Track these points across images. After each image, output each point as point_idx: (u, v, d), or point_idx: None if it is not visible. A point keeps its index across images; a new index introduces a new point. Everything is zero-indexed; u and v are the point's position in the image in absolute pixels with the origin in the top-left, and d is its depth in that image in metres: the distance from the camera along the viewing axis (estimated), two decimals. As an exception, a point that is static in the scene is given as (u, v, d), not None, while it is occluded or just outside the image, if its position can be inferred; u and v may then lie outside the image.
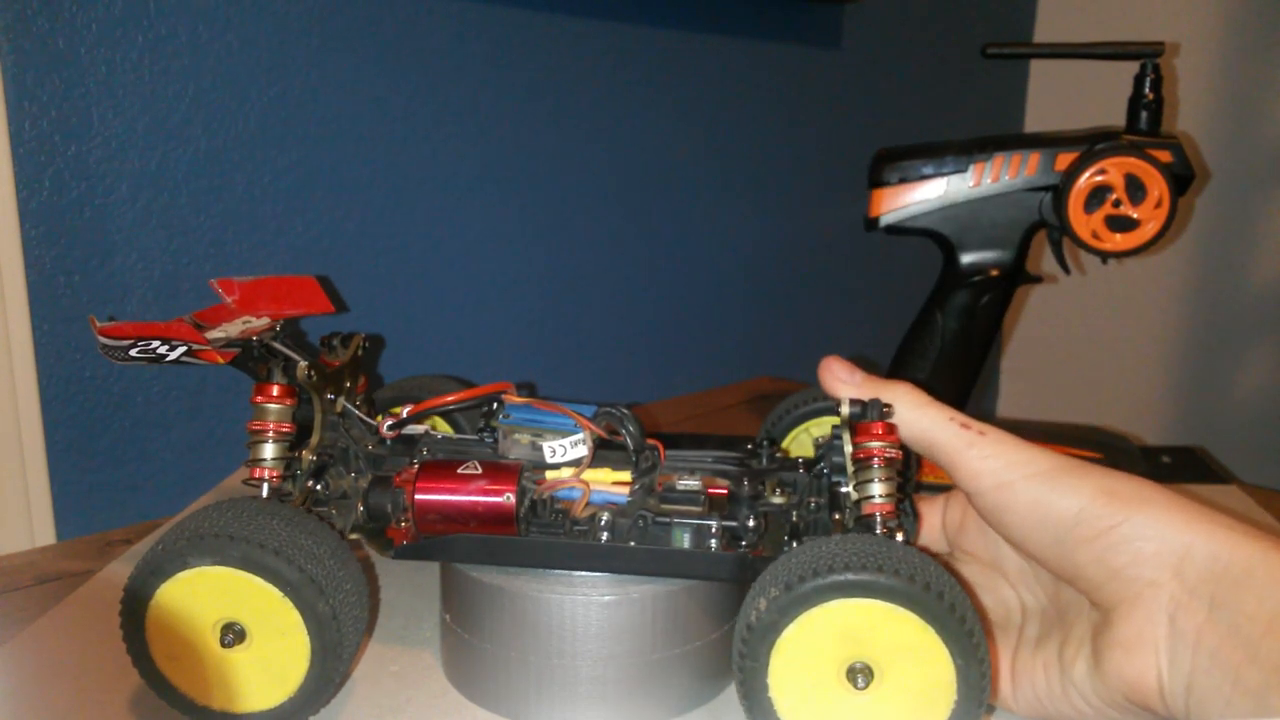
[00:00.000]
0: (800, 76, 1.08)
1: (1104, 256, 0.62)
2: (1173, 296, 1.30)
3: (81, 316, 0.63)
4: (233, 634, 0.37)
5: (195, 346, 0.42)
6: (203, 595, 0.36)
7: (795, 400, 0.51)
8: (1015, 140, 0.64)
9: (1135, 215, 0.61)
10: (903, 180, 0.65)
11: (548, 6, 0.83)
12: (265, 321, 0.45)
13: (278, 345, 0.43)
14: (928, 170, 0.64)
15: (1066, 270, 0.67)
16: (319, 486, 0.43)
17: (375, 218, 0.76)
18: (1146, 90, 0.63)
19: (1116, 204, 0.61)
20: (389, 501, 0.42)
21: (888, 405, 0.40)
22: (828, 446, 0.44)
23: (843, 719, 0.35)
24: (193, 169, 0.66)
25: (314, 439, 0.43)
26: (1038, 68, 1.39)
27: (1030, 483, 0.38)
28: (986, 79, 1.34)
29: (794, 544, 0.40)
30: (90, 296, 0.63)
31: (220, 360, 0.43)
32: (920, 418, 0.41)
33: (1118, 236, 0.61)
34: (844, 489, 0.42)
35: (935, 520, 0.46)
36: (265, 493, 0.41)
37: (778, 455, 0.46)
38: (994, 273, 0.65)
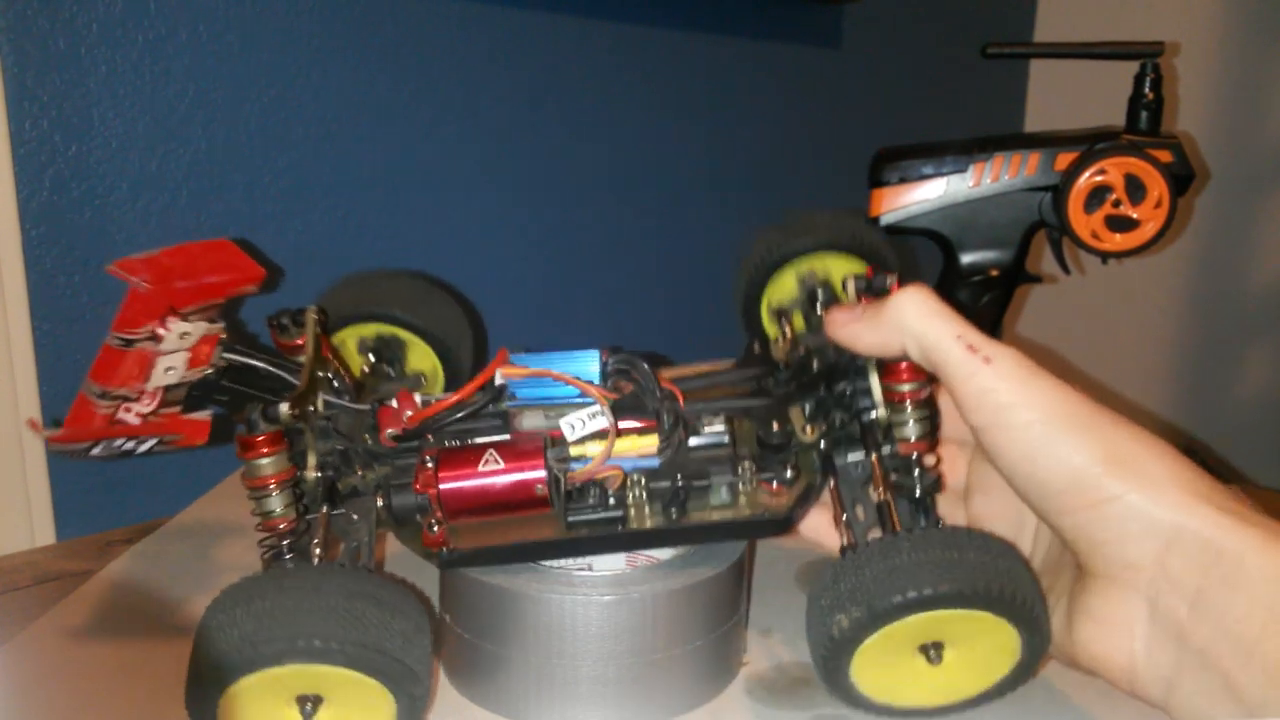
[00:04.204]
0: (800, 76, 1.08)
1: (1104, 256, 0.62)
2: (1173, 296, 1.30)
3: (82, 317, 0.63)
4: (310, 703, 0.35)
5: (168, 438, 0.38)
6: (290, 679, 0.35)
7: (760, 254, 0.48)
8: (1015, 140, 0.64)
9: (1135, 215, 0.61)
10: (903, 180, 0.65)
11: (548, 6, 0.83)
12: (203, 326, 0.39)
13: (236, 357, 0.39)
14: (928, 170, 0.65)
15: (1066, 270, 0.67)
16: (332, 502, 0.41)
17: (376, 217, 0.76)
18: (1146, 90, 0.64)
19: (1116, 204, 0.61)
20: (414, 507, 0.40)
21: (891, 274, 0.40)
22: (851, 369, 0.41)
23: (917, 684, 0.38)
24: (193, 169, 0.66)
25: (311, 461, 0.40)
26: (1038, 68, 1.39)
27: (1028, 431, 0.35)
28: (986, 79, 1.33)
29: (830, 480, 0.40)
30: (90, 297, 0.63)
31: (202, 439, 0.38)
32: (926, 331, 0.37)
33: (1118, 236, 0.61)
34: (872, 414, 0.40)
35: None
36: (286, 548, 0.38)
37: (788, 359, 0.44)
38: (994, 273, 0.65)
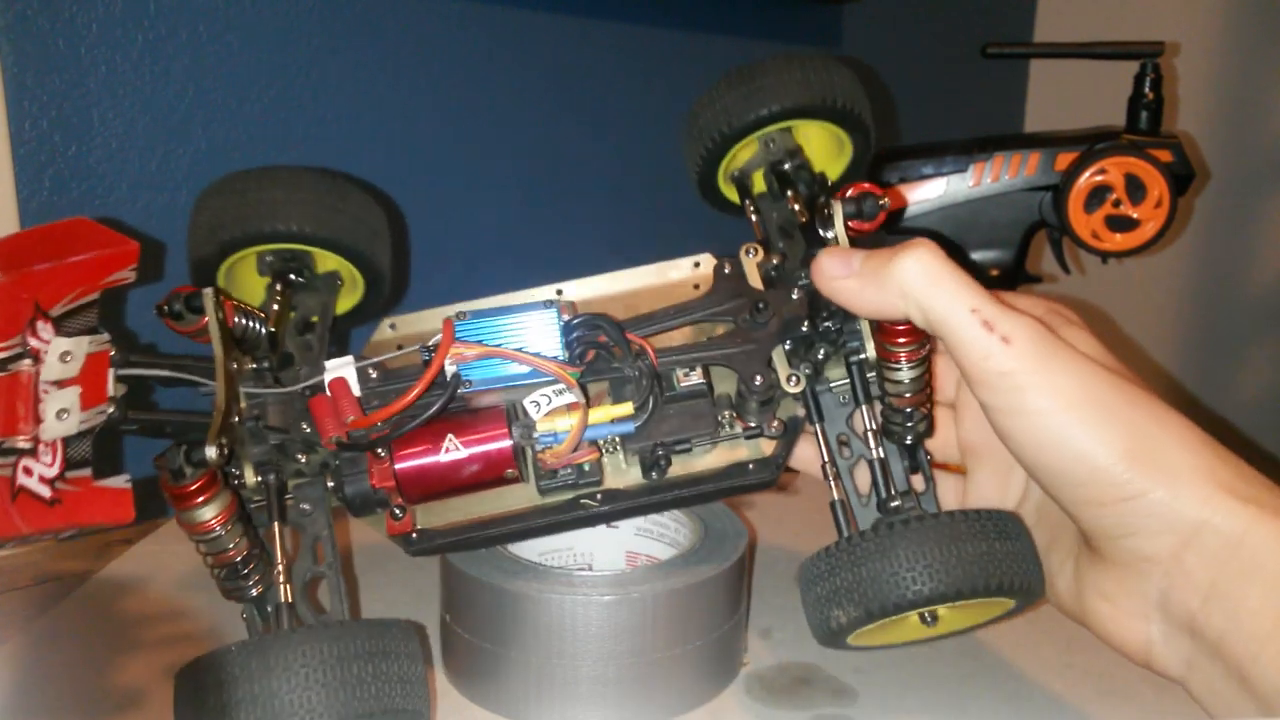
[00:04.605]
0: (800, 76, 1.08)
1: (1104, 256, 0.63)
2: (1173, 296, 1.30)
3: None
4: None
5: (86, 527, 0.33)
6: None
7: (716, 125, 0.43)
8: (1015, 140, 0.64)
9: (1135, 215, 0.61)
10: (903, 180, 0.65)
11: (548, 6, 0.83)
12: (85, 342, 0.32)
13: (134, 372, 0.34)
14: (928, 170, 0.65)
15: (1066, 270, 0.67)
16: (286, 499, 0.37)
17: (375, 218, 0.76)
18: (1146, 90, 0.64)
19: (1116, 204, 0.61)
20: (373, 499, 0.37)
21: (883, 199, 0.36)
22: (842, 317, 0.38)
23: (912, 632, 0.38)
24: (193, 169, 0.66)
25: (249, 473, 0.36)
26: (1038, 68, 1.39)
27: (1046, 419, 0.33)
28: (986, 79, 1.33)
29: (818, 424, 0.38)
30: (90, 296, 0.63)
31: (127, 516, 0.33)
32: (934, 301, 0.33)
33: (1118, 236, 0.61)
34: (862, 355, 0.38)
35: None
36: (247, 579, 0.35)
37: (763, 276, 0.40)
38: (994, 273, 0.65)
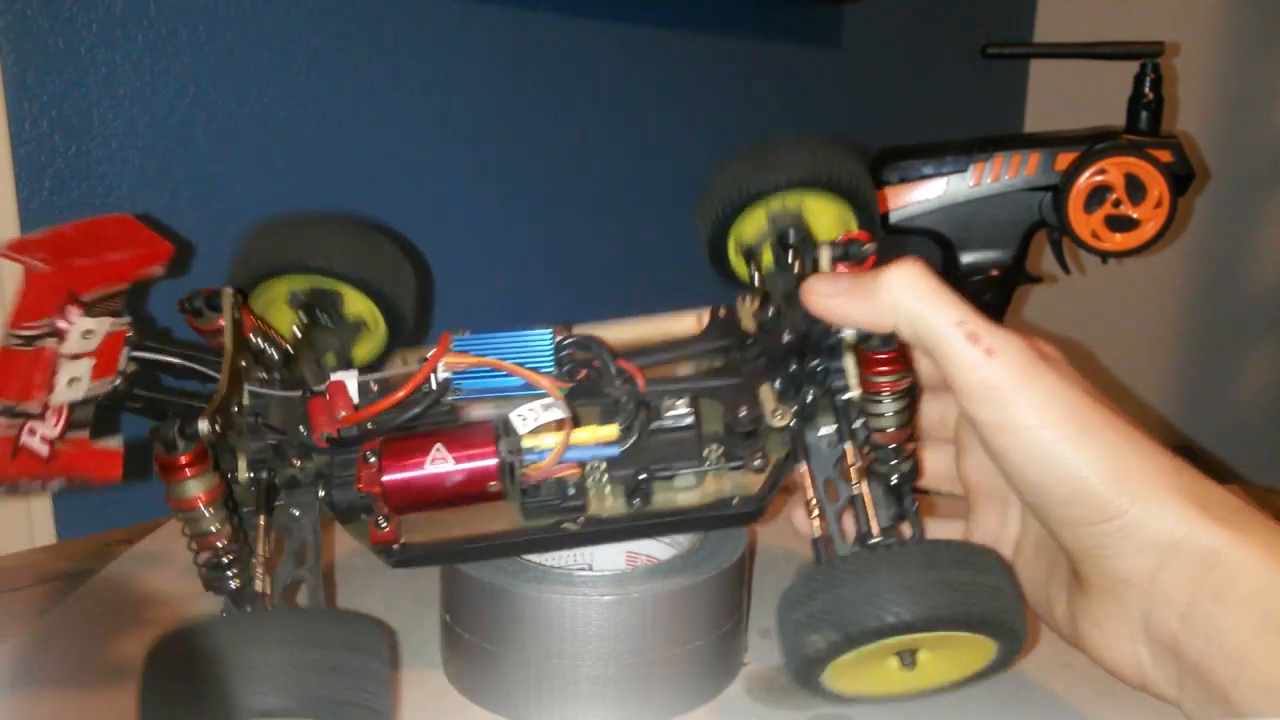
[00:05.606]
0: (800, 76, 1.08)
1: (1104, 256, 0.63)
2: (1173, 296, 1.30)
3: (81, 316, 0.63)
4: None
5: (76, 479, 0.34)
6: None
7: (727, 192, 0.44)
8: (1015, 140, 0.64)
9: (1135, 215, 0.61)
10: (903, 180, 0.65)
11: (549, 7, 0.83)
12: (106, 322, 0.33)
13: (147, 355, 0.35)
14: (928, 170, 0.65)
15: (1066, 270, 0.67)
16: (274, 498, 0.37)
17: (376, 217, 0.76)
18: (1146, 90, 0.64)
19: (1116, 204, 0.61)
20: (359, 504, 0.37)
21: (868, 243, 0.38)
22: (824, 345, 0.38)
23: (890, 680, 0.37)
24: (193, 169, 0.66)
25: (241, 464, 0.36)
26: (1038, 68, 1.39)
27: (1033, 435, 0.33)
28: (986, 79, 1.33)
29: (806, 462, 0.38)
30: (90, 296, 0.63)
31: (114, 475, 0.34)
32: (920, 313, 0.34)
33: (1118, 236, 0.62)
34: (847, 395, 0.38)
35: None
36: (228, 568, 0.35)
37: (758, 321, 0.40)
38: (994, 273, 0.65)
